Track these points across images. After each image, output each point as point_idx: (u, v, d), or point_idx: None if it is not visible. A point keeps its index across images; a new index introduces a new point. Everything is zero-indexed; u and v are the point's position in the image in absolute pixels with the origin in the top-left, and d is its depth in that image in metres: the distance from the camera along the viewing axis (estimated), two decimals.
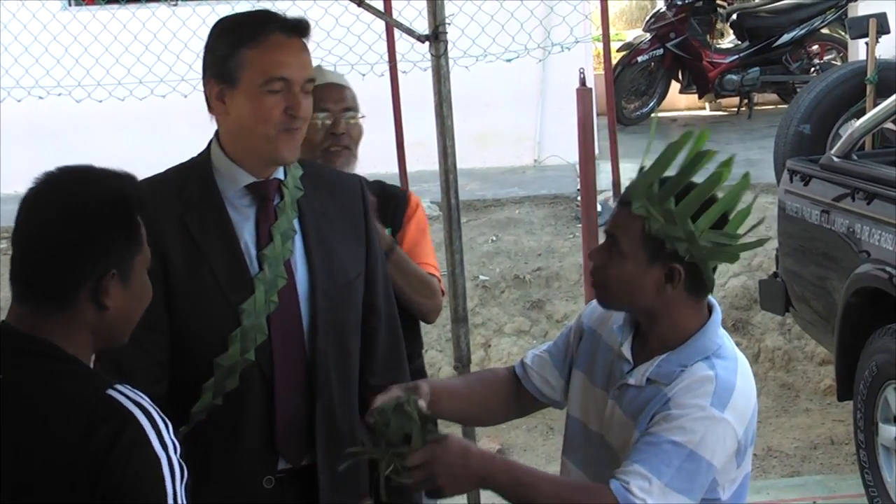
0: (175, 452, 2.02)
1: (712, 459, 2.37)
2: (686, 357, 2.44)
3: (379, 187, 3.50)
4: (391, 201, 3.46)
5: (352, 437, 2.70)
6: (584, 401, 2.62)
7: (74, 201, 2.09)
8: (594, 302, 2.64)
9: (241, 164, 2.60)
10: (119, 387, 2.02)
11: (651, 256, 2.41)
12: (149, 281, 2.15)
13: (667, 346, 2.47)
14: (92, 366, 2.18)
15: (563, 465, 2.71)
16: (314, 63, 2.68)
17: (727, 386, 2.40)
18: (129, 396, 2.01)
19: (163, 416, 2.04)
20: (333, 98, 3.31)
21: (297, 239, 2.65)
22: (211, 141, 2.65)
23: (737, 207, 2.44)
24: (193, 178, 2.62)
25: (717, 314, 2.52)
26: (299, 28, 2.57)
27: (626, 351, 2.53)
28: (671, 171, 2.46)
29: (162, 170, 2.76)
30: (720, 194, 2.44)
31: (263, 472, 2.61)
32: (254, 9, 2.74)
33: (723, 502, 2.47)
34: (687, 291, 2.44)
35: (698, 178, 2.45)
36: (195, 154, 2.73)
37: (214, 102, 2.58)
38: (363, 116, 3.39)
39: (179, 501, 2.01)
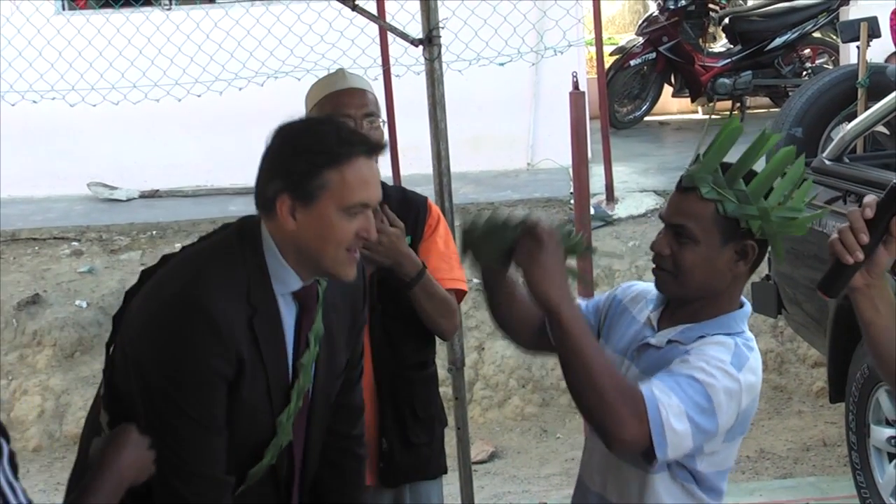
0: None
1: (718, 411, 2.44)
2: (709, 328, 2.54)
3: (400, 193, 3.49)
4: (412, 209, 3.43)
5: None
6: None
7: None
8: (632, 283, 2.76)
9: (296, 269, 2.54)
10: None
11: (724, 237, 2.51)
12: None
13: (696, 319, 2.56)
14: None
15: (586, 441, 2.79)
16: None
17: (743, 356, 2.50)
18: None
19: None
20: (355, 103, 3.28)
21: None
22: (260, 235, 2.56)
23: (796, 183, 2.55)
24: (255, 279, 2.52)
25: (748, 308, 2.62)
26: (379, 149, 2.56)
27: (654, 320, 2.62)
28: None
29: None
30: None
31: None
32: (326, 119, 2.71)
33: (697, 472, 2.55)
34: (750, 268, 2.56)
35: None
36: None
37: (284, 216, 2.48)
38: (384, 122, 3.37)
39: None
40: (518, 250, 2.45)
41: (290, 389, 2.59)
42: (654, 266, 2.58)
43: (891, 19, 8.78)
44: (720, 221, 2.50)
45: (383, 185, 3.41)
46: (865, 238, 2.19)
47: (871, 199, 2.23)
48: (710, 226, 2.50)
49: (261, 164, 2.55)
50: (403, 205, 3.40)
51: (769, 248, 2.57)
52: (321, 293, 2.62)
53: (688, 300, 2.57)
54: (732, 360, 2.47)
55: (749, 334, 2.59)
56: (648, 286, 2.72)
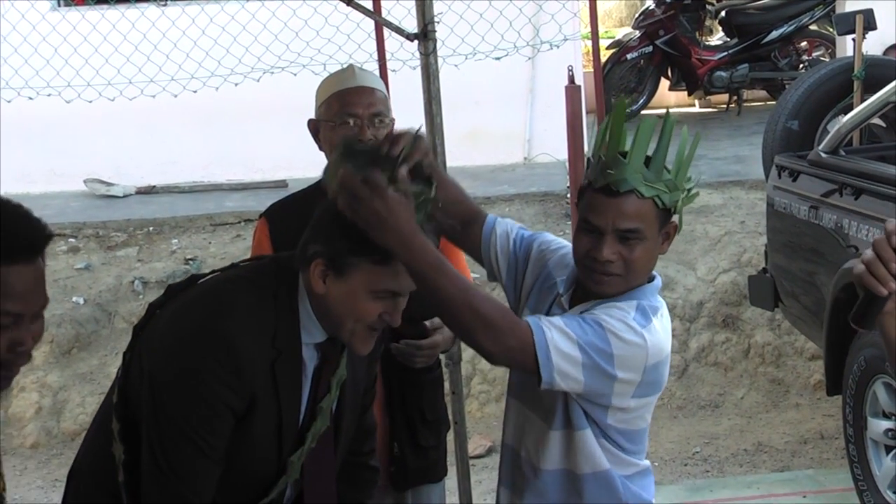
0: None
1: (618, 359, 2.51)
2: (621, 303, 2.60)
3: None
4: None
5: None
6: None
7: None
8: (564, 248, 2.75)
9: (323, 324, 2.57)
10: None
11: (660, 225, 2.60)
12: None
13: (609, 297, 2.61)
14: None
15: (507, 404, 2.84)
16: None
17: (647, 314, 2.58)
18: None
19: None
20: (363, 103, 3.26)
21: None
22: (298, 283, 2.57)
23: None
24: (284, 325, 2.54)
25: (658, 282, 2.69)
26: None
27: (566, 302, 2.67)
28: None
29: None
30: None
31: None
32: None
33: (607, 425, 2.61)
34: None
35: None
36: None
37: (315, 277, 2.50)
38: (393, 120, 3.33)
39: None
40: (350, 202, 2.41)
41: (302, 430, 2.62)
42: (597, 273, 2.58)
43: None
44: (659, 213, 2.58)
45: None
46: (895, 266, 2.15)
47: (894, 225, 2.19)
48: (654, 220, 2.58)
49: (313, 220, 2.55)
50: None
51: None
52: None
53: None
54: (636, 316, 2.54)
55: (658, 303, 2.65)
56: (569, 249, 2.73)
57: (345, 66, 3.51)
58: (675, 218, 2.64)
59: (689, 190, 2.62)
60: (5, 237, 2.02)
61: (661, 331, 2.59)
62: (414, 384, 3.41)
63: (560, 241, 2.82)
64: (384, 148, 2.45)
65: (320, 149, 3.36)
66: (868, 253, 2.17)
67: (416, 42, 4.12)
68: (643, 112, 11.84)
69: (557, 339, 2.46)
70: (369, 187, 2.38)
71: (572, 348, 2.47)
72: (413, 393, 3.42)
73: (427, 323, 3.31)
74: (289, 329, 2.54)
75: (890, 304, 2.19)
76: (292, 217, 3.34)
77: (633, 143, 2.56)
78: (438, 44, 4.15)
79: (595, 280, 2.59)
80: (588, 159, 2.65)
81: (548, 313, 2.68)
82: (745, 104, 12.13)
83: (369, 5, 5.56)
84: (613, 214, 2.55)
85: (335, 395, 2.64)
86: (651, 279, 2.67)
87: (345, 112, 3.24)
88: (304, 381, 2.59)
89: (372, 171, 2.39)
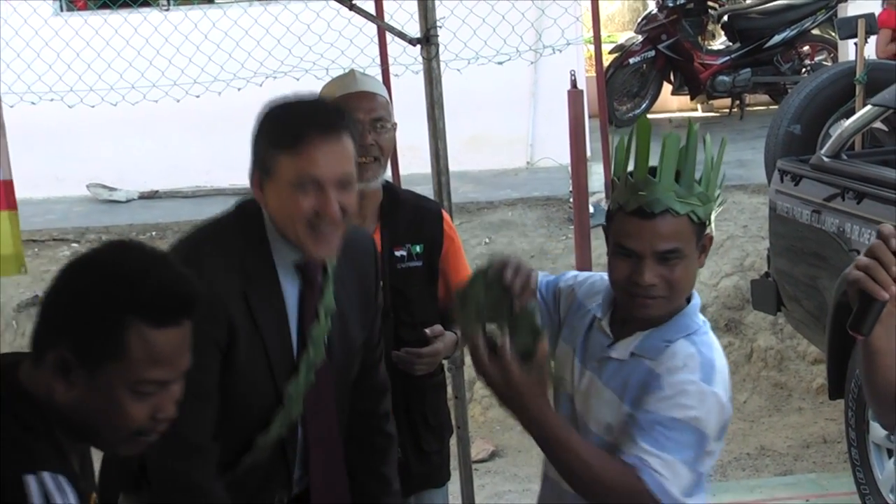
0: None
1: (706, 430, 2.46)
2: (670, 333, 2.53)
3: (414, 199, 3.48)
4: (426, 216, 3.44)
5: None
6: (561, 369, 2.69)
7: (84, 266, 1.94)
8: (592, 277, 2.71)
9: (288, 241, 2.56)
10: (45, 475, 1.81)
11: (697, 239, 2.53)
12: (130, 399, 1.90)
13: (651, 323, 2.54)
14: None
15: None
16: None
17: (710, 363, 2.51)
18: (45, 487, 1.80)
19: None
20: (364, 108, 3.27)
21: None
22: (264, 212, 2.60)
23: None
24: (252, 247, 2.58)
25: (697, 300, 2.62)
26: (338, 124, 2.52)
27: (606, 326, 2.61)
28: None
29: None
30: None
31: None
32: (296, 96, 2.62)
33: (698, 473, 2.54)
34: None
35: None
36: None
37: (255, 189, 2.56)
38: (395, 124, 3.35)
39: None
40: (485, 376, 2.36)
41: (297, 360, 2.62)
42: (640, 297, 2.51)
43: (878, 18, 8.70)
44: (695, 228, 2.51)
45: (397, 190, 3.42)
46: None
47: (890, 229, 2.18)
48: (691, 235, 2.50)
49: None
50: (417, 213, 3.41)
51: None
52: (330, 270, 2.65)
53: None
54: (702, 377, 2.47)
55: (705, 329, 2.59)
56: (597, 277, 2.71)
57: (347, 70, 3.52)
58: (709, 229, 2.57)
59: (718, 197, 2.56)
60: (156, 299, 1.89)
61: (722, 374, 2.52)
62: (417, 389, 3.41)
63: (584, 273, 2.79)
64: (514, 291, 2.37)
65: None
66: (864, 258, 2.15)
67: (418, 47, 4.13)
68: (647, 116, 11.85)
69: (664, 472, 2.40)
70: (499, 368, 2.32)
71: (678, 468, 2.42)
72: (416, 398, 3.42)
73: (427, 330, 3.31)
74: (258, 253, 2.57)
75: (890, 307, 2.17)
76: None
77: (660, 161, 2.49)
78: (441, 48, 4.17)
79: (639, 304, 2.52)
80: (613, 181, 2.57)
81: (585, 338, 2.64)
82: (748, 108, 12.14)
83: (372, 10, 5.57)
84: (650, 237, 2.48)
85: (325, 324, 2.63)
86: (689, 298, 2.60)
87: None
88: (287, 308, 2.60)
89: (506, 350, 2.31)
